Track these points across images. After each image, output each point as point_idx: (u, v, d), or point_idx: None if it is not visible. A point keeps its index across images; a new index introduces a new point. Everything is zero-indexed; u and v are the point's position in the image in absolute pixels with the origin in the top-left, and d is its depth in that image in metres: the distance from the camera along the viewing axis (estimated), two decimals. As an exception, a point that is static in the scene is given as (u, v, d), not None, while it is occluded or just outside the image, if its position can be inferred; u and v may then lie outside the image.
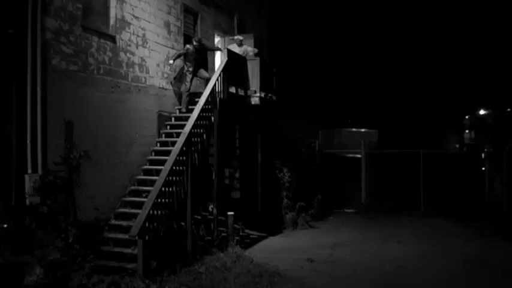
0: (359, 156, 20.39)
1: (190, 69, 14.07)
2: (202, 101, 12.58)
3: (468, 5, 35.43)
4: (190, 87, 14.12)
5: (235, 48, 15.49)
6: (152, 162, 12.74)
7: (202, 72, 14.42)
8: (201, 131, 12.54)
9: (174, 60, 13.96)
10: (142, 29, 13.24)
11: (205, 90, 13.01)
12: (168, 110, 14.09)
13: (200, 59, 14.39)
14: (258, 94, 15.10)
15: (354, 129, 28.43)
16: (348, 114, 32.47)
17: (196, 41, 14.18)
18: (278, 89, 16.89)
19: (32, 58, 9.82)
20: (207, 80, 13.90)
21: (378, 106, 34.35)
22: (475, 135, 28.57)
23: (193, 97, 14.17)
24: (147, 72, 13.40)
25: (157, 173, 11.28)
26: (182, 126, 12.16)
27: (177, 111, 14.25)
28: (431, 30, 37.49)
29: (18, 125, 9.73)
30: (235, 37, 16.13)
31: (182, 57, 14.26)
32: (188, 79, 14.09)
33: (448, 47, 37.15)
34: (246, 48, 15.77)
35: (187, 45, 14.25)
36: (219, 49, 15.84)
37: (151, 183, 11.13)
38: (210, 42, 16.14)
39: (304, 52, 34.75)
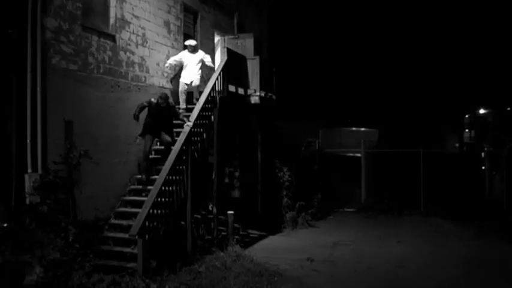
0: (359, 155, 20.40)
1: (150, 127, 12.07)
2: (202, 100, 12.59)
3: (468, 4, 35.43)
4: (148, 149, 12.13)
5: (186, 56, 13.70)
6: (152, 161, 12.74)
7: (164, 137, 12.11)
8: (201, 130, 12.54)
9: (137, 115, 11.87)
10: (142, 28, 13.24)
11: (205, 89, 13.02)
12: (168, 109, 14.07)
13: (164, 118, 12.06)
14: (257, 93, 15.10)
15: (353, 129, 28.41)
16: (347, 114, 32.47)
17: (162, 98, 11.89)
18: (278, 88, 16.88)
19: (31, 57, 9.81)
20: (168, 145, 11.93)
21: (377, 105, 34.33)
22: (475, 135, 28.57)
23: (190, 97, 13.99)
24: (147, 71, 13.39)
25: (157, 172, 11.28)
26: (182, 126, 12.16)
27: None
28: (431, 29, 37.46)
29: (18, 124, 9.73)
30: (187, 42, 13.91)
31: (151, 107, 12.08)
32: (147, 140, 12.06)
33: (448, 46, 37.13)
34: (203, 56, 13.92)
35: (152, 99, 12.04)
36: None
37: (151, 182, 11.13)
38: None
39: (304, 52, 34.73)
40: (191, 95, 14.04)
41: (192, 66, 13.73)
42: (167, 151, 11.66)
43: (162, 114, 11.98)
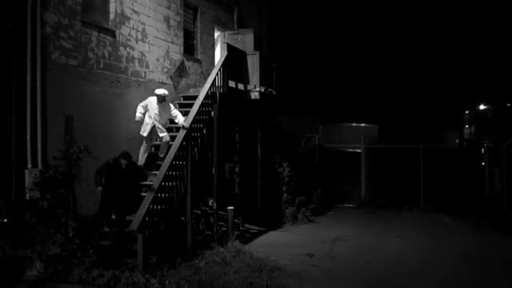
0: (359, 151, 20.40)
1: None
2: (202, 95, 12.58)
3: (467, 1, 35.38)
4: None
5: (153, 106, 12.07)
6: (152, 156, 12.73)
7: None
8: (201, 125, 12.54)
9: (99, 181, 10.42)
10: (142, 23, 13.23)
11: (205, 85, 13.02)
12: (167, 104, 14.07)
13: (126, 185, 10.45)
14: (257, 89, 15.10)
15: (353, 124, 28.41)
16: (347, 109, 32.46)
17: (124, 157, 10.46)
18: (278, 84, 16.87)
19: (31, 53, 9.82)
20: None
21: (377, 101, 34.33)
22: (475, 130, 28.51)
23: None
24: (147, 66, 13.39)
25: (157, 167, 11.27)
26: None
27: (177, 105, 14.08)
28: (431, 25, 37.43)
29: (18, 120, 9.73)
30: (157, 91, 12.14)
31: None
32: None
33: (448, 42, 37.10)
34: (171, 110, 12.31)
35: (110, 160, 10.64)
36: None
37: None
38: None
39: (304, 47, 34.71)
40: (154, 156, 12.43)
41: (159, 118, 12.13)
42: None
43: (123, 178, 10.37)
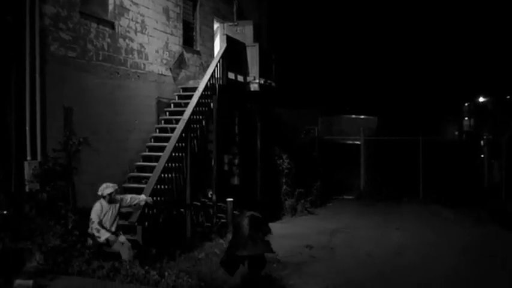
0: (358, 143, 20.41)
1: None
2: (201, 87, 12.58)
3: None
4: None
5: (104, 209, 9.35)
6: (151, 148, 12.74)
7: None
8: (201, 117, 12.55)
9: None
10: (141, 15, 13.17)
11: (205, 76, 13.00)
12: (167, 96, 14.06)
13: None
14: (257, 80, 15.07)
15: (353, 116, 28.41)
16: (347, 101, 32.44)
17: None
18: (277, 76, 16.84)
19: (30, 45, 9.77)
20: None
21: (377, 93, 34.28)
22: (475, 123, 28.54)
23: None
24: (146, 58, 13.35)
25: (157, 159, 11.28)
26: (181, 113, 12.15)
27: (176, 97, 14.20)
28: (430, 17, 37.34)
29: (17, 112, 9.70)
30: (104, 190, 9.37)
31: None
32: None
33: (447, 35, 37.00)
34: (120, 203, 9.66)
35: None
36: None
37: (151, 169, 11.14)
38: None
39: (303, 39, 34.60)
40: None
41: (111, 221, 9.44)
42: None
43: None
